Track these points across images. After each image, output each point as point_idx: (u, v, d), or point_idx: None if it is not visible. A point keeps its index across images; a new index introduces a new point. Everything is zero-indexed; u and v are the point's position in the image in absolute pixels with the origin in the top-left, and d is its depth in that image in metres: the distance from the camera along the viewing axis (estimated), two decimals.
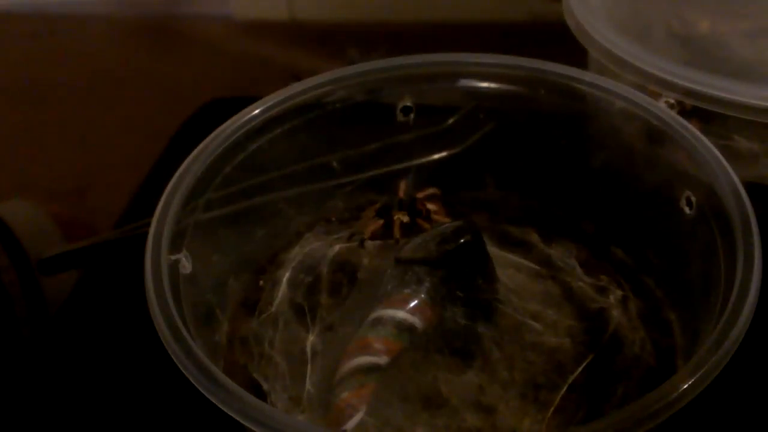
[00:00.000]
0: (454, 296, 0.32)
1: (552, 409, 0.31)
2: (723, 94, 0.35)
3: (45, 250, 0.43)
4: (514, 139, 0.40)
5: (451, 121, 0.40)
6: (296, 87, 0.37)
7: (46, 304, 0.45)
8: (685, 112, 0.36)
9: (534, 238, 0.39)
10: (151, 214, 0.31)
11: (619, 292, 0.35)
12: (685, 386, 0.24)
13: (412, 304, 0.32)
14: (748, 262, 0.28)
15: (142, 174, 0.51)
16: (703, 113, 0.36)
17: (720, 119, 0.36)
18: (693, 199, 0.33)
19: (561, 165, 0.39)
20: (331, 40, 0.72)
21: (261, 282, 0.37)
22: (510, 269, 0.36)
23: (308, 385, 0.32)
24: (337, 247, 0.38)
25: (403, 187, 0.39)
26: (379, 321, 0.32)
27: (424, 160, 0.41)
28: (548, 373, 0.32)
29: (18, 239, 0.46)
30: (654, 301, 0.35)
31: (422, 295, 0.32)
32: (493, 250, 0.36)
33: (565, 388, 0.31)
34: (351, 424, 0.30)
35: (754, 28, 0.46)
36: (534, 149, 0.40)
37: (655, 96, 0.36)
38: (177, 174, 0.33)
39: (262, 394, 0.32)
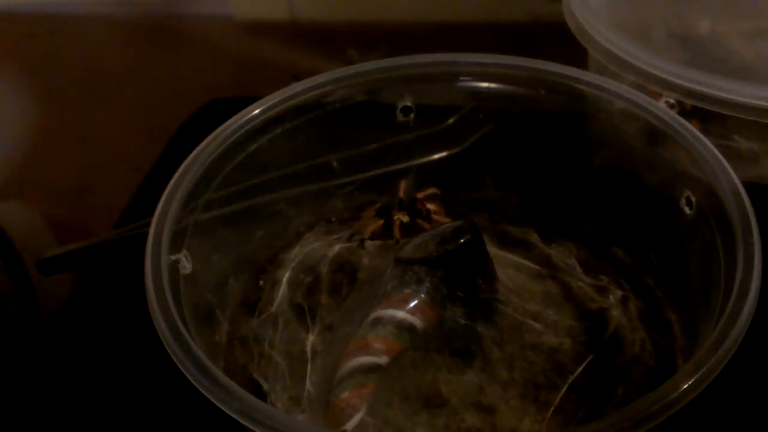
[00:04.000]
0: (454, 296, 0.32)
1: (552, 409, 0.31)
2: (723, 94, 0.35)
3: (40, 251, 0.43)
4: (515, 139, 0.40)
5: (451, 121, 0.40)
6: (296, 87, 0.37)
7: (38, 305, 0.45)
8: (685, 112, 0.36)
9: (534, 238, 0.38)
10: (151, 214, 0.31)
11: (619, 292, 0.35)
12: (685, 386, 0.24)
13: (412, 304, 0.32)
14: (748, 262, 0.28)
15: (142, 174, 0.51)
16: (703, 113, 0.36)
17: (720, 119, 0.36)
18: (693, 199, 0.33)
19: (561, 165, 0.39)
20: (331, 40, 0.72)
21: (261, 282, 0.37)
22: (510, 269, 0.36)
23: (308, 385, 0.32)
24: (337, 247, 0.38)
25: (403, 187, 0.39)
26: (379, 321, 0.32)
27: (424, 160, 0.41)
28: (548, 373, 0.32)
29: (11, 240, 0.46)
30: (654, 301, 0.35)
31: (422, 295, 0.32)
32: (493, 250, 0.36)
33: (565, 388, 0.31)
34: (351, 424, 0.30)
35: (754, 29, 0.46)
36: (534, 149, 0.39)
37: (655, 96, 0.36)
38: (177, 174, 0.33)
39: (262, 394, 0.32)
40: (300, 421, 0.30)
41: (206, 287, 0.33)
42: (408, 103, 0.39)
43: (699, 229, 0.32)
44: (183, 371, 0.26)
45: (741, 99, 0.35)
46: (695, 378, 0.24)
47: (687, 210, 0.33)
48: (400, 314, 0.32)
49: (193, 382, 0.26)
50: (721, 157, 0.32)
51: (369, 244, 0.38)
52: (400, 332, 0.31)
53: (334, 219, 0.40)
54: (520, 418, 0.31)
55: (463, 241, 0.33)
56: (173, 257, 0.30)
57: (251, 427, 0.24)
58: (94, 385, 0.38)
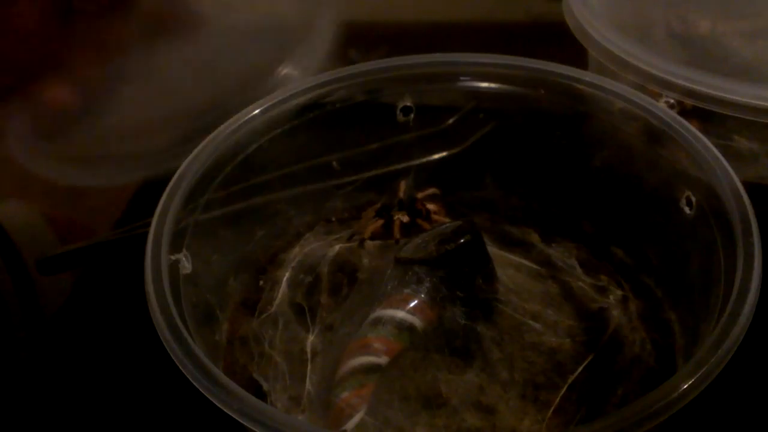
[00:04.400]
0: (454, 296, 0.32)
1: (552, 409, 0.31)
2: (723, 94, 0.35)
3: (41, 251, 0.43)
4: (514, 139, 0.40)
5: (451, 121, 0.40)
6: (296, 87, 0.37)
7: (40, 306, 0.45)
8: (685, 112, 0.36)
9: (534, 238, 0.39)
10: (151, 214, 0.31)
11: (619, 292, 0.35)
12: (685, 386, 0.24)
13: (412, 304, 0.32)
14: (748, 262, 0.28)
15: None
16: (703, 113, 0.36)
17: (720, 119, 0.36)
18: (693, 199, 0.33)
19: (561, 165, 0.39)
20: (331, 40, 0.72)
21: (261, 282, 0.37)
22: (510, 269, 0.36)
23: (308, 385, 0.32)
24: (337, 247, 0.38)
25: (403, 187, 0.39)
26: (379, 321, 0.32)
27: (424, 160, 0.41)
28: (548, 373, 0.32)
29: (12, 240, 0.46)
30: (654, 301, 0.35)
31: (422, 295, 0.32)
32: (493, 250, 0.36)
33: (565, 388, 0.31)
34: (351, 424, 0.30)
35: (754, 28, 0.46)
36: (534, 149, 0.39)
37: (655, 96, 0.36)
38: (177, 174, 0.33)
39: (262, 394, 0.32)
40: (300, 421, 0.30)
41: (206, 287, 0.33)
42: (408, 103, 0.39)
43: (699, 229, 0.32)
44: (183, 371, 0.26)
45: (741, 99, 0.35)
46: (695, 378, 0.24)
47: (687, 210, 0.33)
48: (400, 314, 0.31)
49: (193, 382, 0.26)
50: (721, 157, 0.32)
51: (369, 244, 0.38)
52: (400, 332, 0.31)
53: (334, 219, 0.41)
54: (520, 418, 0.31)
55: (463, 241, 0.33)
56: (173, 257, 0.30)
57: (251, 427, 0.24)
58: (94, 384, 0.38)
